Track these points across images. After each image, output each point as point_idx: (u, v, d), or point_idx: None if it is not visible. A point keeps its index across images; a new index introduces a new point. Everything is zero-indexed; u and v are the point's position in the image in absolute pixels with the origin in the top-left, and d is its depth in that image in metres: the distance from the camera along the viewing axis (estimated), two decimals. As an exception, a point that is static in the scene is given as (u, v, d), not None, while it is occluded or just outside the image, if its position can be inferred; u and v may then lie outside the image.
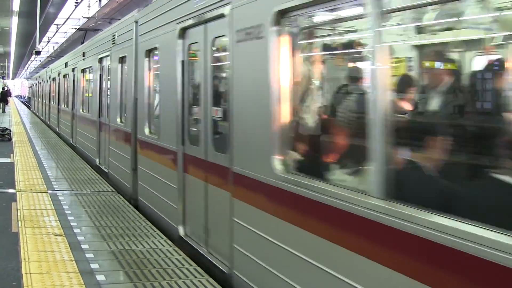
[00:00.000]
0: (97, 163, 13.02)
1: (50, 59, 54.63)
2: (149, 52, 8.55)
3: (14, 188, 9.94)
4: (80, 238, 6.85)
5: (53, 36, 47.81)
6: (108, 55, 11.97)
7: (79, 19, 35.01)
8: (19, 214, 7.94)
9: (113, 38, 11.35)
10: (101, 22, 26.22)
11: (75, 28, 30.45)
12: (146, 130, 8.56)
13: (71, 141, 18.41)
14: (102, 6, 30.59)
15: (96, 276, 5.50)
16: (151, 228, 7.43)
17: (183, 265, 5.91)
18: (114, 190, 10.26)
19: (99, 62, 13.19)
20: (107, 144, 11.93)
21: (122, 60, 10.51)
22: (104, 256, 6.19)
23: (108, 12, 29.88)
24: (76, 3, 31.53)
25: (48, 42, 52.29)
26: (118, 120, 10.72)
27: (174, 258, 6.15)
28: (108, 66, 12.04)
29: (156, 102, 8.49)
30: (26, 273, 5.46)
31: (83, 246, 6.51)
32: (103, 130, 12.46)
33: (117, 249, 6.43)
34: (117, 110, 10.83)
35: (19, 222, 7.44)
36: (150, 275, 5.58)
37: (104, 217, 8.01)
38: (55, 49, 56.38)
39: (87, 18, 30.68)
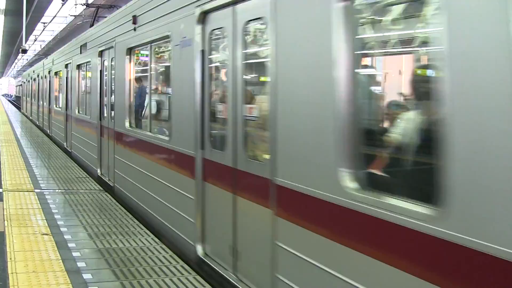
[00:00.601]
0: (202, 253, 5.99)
1: (37, 57, 54.31)
2: None
3: (1, 188, 9.87)
4: (67, 236, 6.83)
5: (40, 34, 47.51)
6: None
7: (66, 17, 34.84)
8: (5, 213, 7.89)
9: None
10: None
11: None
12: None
13: (99, 172, 11.46)
14: (89, 3, 30.42)
15: (83, 274, 5.49)
16: (138, 226, 7.42)
17: (171, 263, 5.91)
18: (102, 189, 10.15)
19: (200, 24, 5.92)
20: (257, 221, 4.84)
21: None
22: (91, 255, 6.18)
23: (95, 10, 29.71)
24: (62, 1, 31.35)
25: (35, 40, 51.96)
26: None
27: (162, 255, 6.15)
28: (234, 27, 5.25)
29: None
30: (12, 273, 5.43)
31: (70, 245, 6.49)
32: (238, 185, 5.23)
33: (104, 248, 6.42)
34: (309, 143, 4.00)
35: (6, 222, 7.40)
36: (137, 273, 5.58)
37: (91, 215, 7.99)
38: (42, 47, 56.07)
39: (74, 16, 30.55)
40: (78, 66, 14.83)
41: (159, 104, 8.54)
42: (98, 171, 11.48)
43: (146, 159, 8.02)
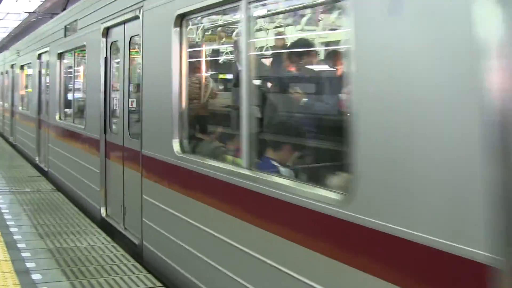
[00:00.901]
0: None
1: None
2: None
3: (-51, 188, 9.69)
4: (16, 237, 6.74)
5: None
6: None
7: (19, 14, 34.15)
8: (-47, 214, 7.75)
9: None
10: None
11: None
12: None
13: (103, 212, 7.78)
14: (44, 0, 29.92)
15: (32, 275, 5.43)
16: (89, 225, 7.38)
17: (121, 261, 5.90)
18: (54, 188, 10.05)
19: None
20: None
21: None
22: (41, 255, 6.12)
23: (50, 6, 29.24)
24: (16, -3, 30.68)
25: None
26: None
27: (113, 254, 6.13)
28: None
29: None
30: (-42, 274, 5.36)
31: (19, 245, 6.40)
32: None
33: (54, 247, 6.36)
34: None
35: (-47, 223, 7.27)
36: (88, 273, 5.55)
37: (42, 215, 7.90)
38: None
39: (28, 12, 29.96)
40: (60, 55, 10.85)
41: (274, 115, 4.73)
42: (103, 211, 7.79)
43: (254, 226, 3.96)
